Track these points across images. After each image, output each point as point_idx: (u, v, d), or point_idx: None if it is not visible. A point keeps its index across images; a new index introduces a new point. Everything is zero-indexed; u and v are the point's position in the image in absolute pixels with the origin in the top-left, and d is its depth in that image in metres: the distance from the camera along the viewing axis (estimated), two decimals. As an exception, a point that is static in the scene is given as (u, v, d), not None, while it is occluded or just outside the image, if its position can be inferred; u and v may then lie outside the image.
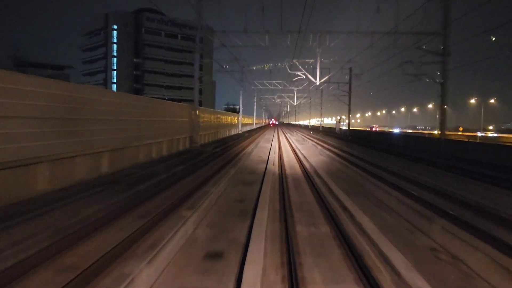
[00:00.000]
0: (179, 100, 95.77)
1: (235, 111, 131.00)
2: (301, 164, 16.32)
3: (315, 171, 13.80)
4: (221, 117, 34.79)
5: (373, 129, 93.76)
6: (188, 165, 14.51)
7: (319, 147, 27.26)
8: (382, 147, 27.24)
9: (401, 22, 24.13)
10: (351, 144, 31.64)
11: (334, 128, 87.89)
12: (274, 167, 15.14)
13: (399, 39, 25.26)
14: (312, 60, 36.07)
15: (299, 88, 58.73)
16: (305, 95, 78.83)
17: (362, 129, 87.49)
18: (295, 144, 29.30)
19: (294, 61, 37.37)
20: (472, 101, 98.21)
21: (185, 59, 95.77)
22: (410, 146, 27.73)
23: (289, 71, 38.00)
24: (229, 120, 39.94)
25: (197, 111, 22.51)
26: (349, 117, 45.41)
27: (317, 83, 34.79)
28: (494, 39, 33.90)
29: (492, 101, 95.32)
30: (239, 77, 52.58)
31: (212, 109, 33.24)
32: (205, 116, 26.44)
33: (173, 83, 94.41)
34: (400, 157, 20.77)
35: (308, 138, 40.69)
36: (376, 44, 25.77)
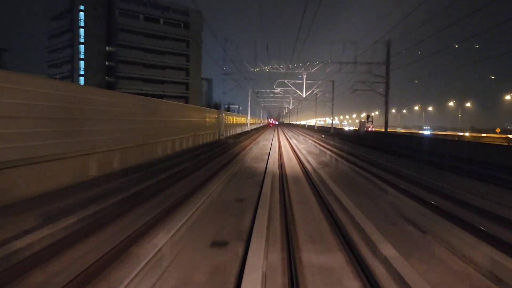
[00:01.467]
0: (161, 96, 79.41)
1: (228, 110, 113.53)
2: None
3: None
4: (161, 112, 17.04)
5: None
6: None
7: (372, 178, 11.20)
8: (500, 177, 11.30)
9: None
10: (420, 165, 15.58)
11: (345, 130, 71.95)
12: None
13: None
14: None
15: (309, 71, 41.99)
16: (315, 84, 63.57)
17: (392, 130, 70.46)
18: (312, 164, 13.33)
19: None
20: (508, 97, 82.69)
21: (168, 48, 79.83)
22: None
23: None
24: (193, 119, 23.31)
25: None
26: (386, 114, 29.41)
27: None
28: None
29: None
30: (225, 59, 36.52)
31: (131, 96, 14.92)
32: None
33: (153, 76, 78.32)
34: None
35: (325, 148, 24.73)
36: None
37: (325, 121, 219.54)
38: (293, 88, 42.17)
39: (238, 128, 47.19)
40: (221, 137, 29.84)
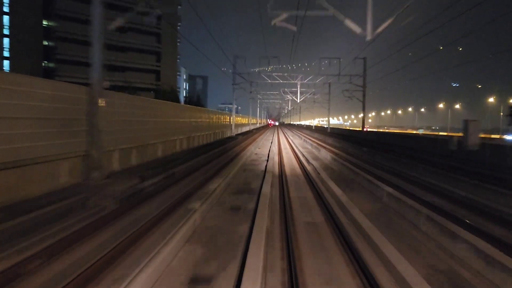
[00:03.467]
0: (123, 88, 58.34)
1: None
2: None
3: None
4: None
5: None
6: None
7: None
8: None
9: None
10: None
11: (363, 134, 50.57)
12: None
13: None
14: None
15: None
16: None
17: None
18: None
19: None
20: None
21: (132, 24, 58.63)
22: None
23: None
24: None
25: None
26: None
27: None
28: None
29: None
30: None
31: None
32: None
33: (111, 60, 56.99)
34: None
35: None
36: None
37: (328, 121, 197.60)
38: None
39: (208, 134, 25.89)
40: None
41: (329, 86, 57.75)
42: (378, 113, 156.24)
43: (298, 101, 44.28)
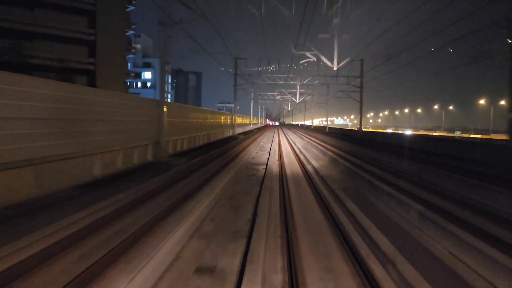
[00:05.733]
0: (26, 69, 34.01)
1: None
2: None
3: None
4: None
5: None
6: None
7: None
8: None
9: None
10: None
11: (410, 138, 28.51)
12: None
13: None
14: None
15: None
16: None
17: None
18: None
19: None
20: None
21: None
22: None
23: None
24: None
25: None
26: None
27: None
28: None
29: None
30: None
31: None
32: None
33: (9, 21, 34.62)
34: None
35: None
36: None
37: (332, 121, 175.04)
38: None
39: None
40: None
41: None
42: (389, 113, 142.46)
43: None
